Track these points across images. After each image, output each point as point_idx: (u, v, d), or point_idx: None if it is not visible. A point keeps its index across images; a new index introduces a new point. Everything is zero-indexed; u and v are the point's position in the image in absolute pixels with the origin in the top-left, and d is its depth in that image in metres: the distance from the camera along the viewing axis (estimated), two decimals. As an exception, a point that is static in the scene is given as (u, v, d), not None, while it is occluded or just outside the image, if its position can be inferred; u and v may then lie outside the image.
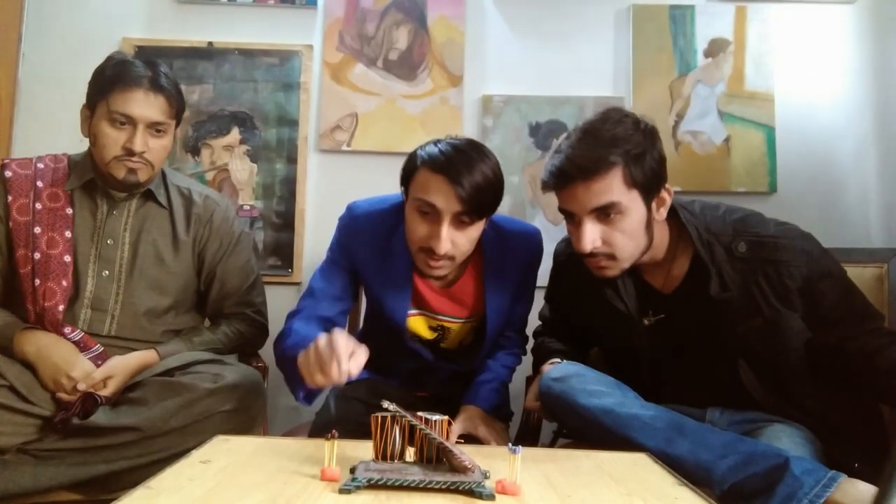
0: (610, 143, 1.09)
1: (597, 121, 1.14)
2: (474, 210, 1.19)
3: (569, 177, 1.11)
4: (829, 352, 1.16)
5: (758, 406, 1.19)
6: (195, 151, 2.00)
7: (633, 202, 1.11)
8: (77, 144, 1.80)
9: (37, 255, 1.31)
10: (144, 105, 1.29)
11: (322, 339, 1.00)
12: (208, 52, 2.02)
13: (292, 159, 2.01)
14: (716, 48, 2.02)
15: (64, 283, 1.31)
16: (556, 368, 1.21)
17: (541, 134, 2.02)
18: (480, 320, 1.41)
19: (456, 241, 1.20)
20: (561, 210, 1.18)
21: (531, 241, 1.41)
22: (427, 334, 1.41)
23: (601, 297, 1.26)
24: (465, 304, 1.38)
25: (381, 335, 1.42)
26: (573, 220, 1.16)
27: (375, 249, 1.34)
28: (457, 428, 1.27)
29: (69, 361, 1.25)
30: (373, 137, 2.02)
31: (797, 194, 1.97)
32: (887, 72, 1.98)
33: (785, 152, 1.99)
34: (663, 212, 1.17)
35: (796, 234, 1.17)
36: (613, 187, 1.09)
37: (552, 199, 1.98)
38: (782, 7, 2.04)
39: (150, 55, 1.98)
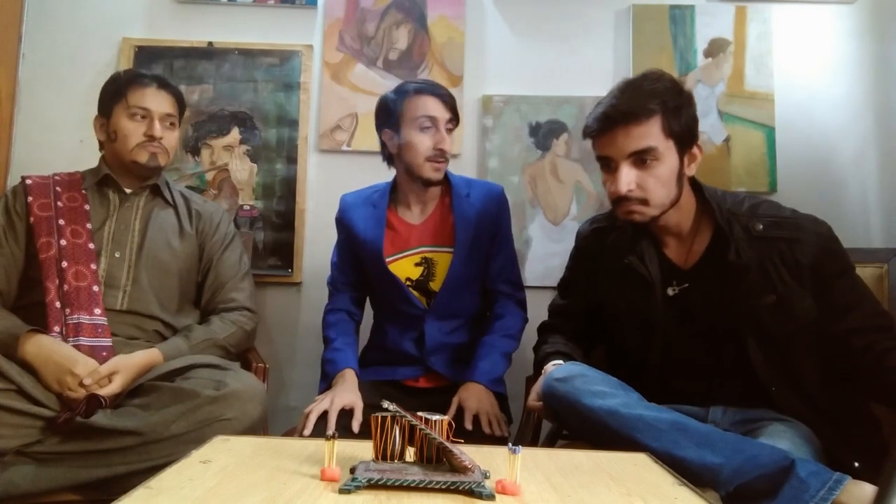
0: (650, 95, 1.17)
1: (638, 78, 1.23)
2: (455, 116, 1.52)
3: (611, 121, 1.18)
4: (837, 342, 1.17)
5: (760, 402, 1.19)
6: (195, 151, 2.00)
7: (667, 150, 1.18)
8: (77, 144, 1.80)
9: (62, 242, 1.42)
10: (157, 99, 1.51)
11: (326, 404, 1.35)
12: (208, 52, 2.02)
13: (292, 159, 2.01)
14: (716, 48, 2.02)
15: (93, 266, 1.42)
16: (559, 369, 1.21)
17: (541, 134, 2.02)
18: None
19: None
20: (599, 158, 1.24)
21: (494, 188, 1.63)
22: (414, 273, 1.55)
23: (624, 267, 1.29)
24: (440, 232, 1.56)
25: (380, 299, 1.61)
26: (610, 167, 1.22)
27: (361, 208, 1.60)
28: (455, 399, 1.40)
29: (71, 359, 1.28)
30: (373, 137, 1.99)
31: (797, 194, 1.97)
32: (887, 71, 1.98)
33: (785, 152, 1.99)
34: (693, 167, 1.23)
35: (812, 218, 1.23)
36: (652, 133, 1.16)
37: (552, 199, 2.00)
38: (782, 7, 2.04)
39: (150, 55, 2.00)
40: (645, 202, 1.19)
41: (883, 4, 2.01)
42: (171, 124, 1.55)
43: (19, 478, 1.15)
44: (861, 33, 2.03)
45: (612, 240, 1.34)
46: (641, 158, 1.17)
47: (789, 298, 1.17)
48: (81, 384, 1.26)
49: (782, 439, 1.09)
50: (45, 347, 1.29)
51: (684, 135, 1.19)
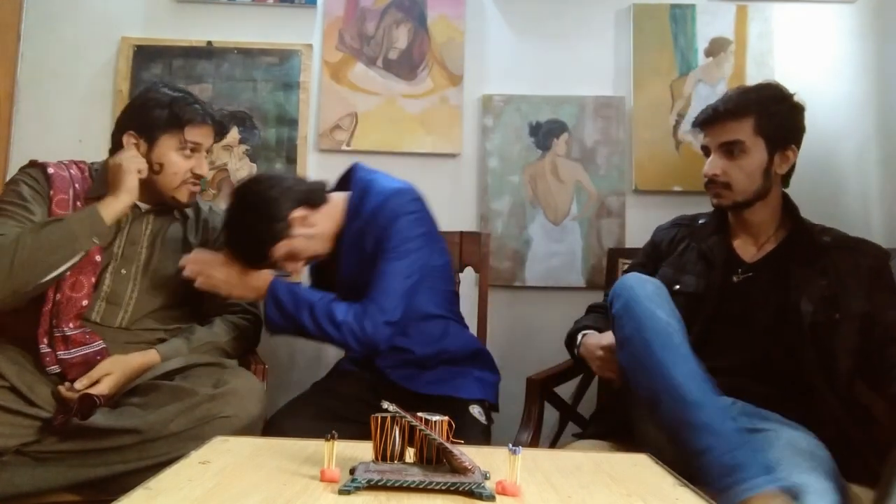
0: (749, 100, 1.35)
1: (749, 86, 1.44)
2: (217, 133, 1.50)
3: (712, 116, 1.38)
4: (874, 346, 1.24)
5: (772, 405, 1.20)
6: (194, 151, 2.00)
7: (756, 147, 1.34)
8: (75, 144, 1.80)
9: None
10: (209, 135, 1.48)
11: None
12: (207, 52, 2.02)
13: (292, 159, 2.01)
14: (716, 47, 2.02)
15: (92, 279, 1.37)
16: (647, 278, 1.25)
17: (541, 133, 2.02)
18: None
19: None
20: (702, 146, 1.43)
21: (380, 195, 1.41)
22: None
23: (691, 253, 1.43)
24: None
25: None
26: (707, 154, 1.40)
27: None
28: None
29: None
30: (372, 137, 2.02)
31: (797, 194, 1.93)
32: (888, 71, 1.98)
33: (785, 152, 1.99)
34: (784, 167, 1.37)
35: (876, 243, 1.36)
36: (742, 130, 1.34)
37: (552, 199, 2.00)
38: (783, 6, 2.04)
39: (150, 55, 2.00)
40: (728, 186, 1.35)
41: (884, 4, 2.01)
42: (209, 152, 1.53)
43: (18, 477, 1.14)
44: (862, 33, 2.03)
45: (682, 233, 1.49)
46: (730, 149, 1.34)
47: (841, 291, 1.27)
48: (72, 389, 1.25)
49: (799, 443, 1.09)
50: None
51: (775, 137, 1.34)
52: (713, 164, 1.36)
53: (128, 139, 1.42)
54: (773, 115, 1.34)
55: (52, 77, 2.00)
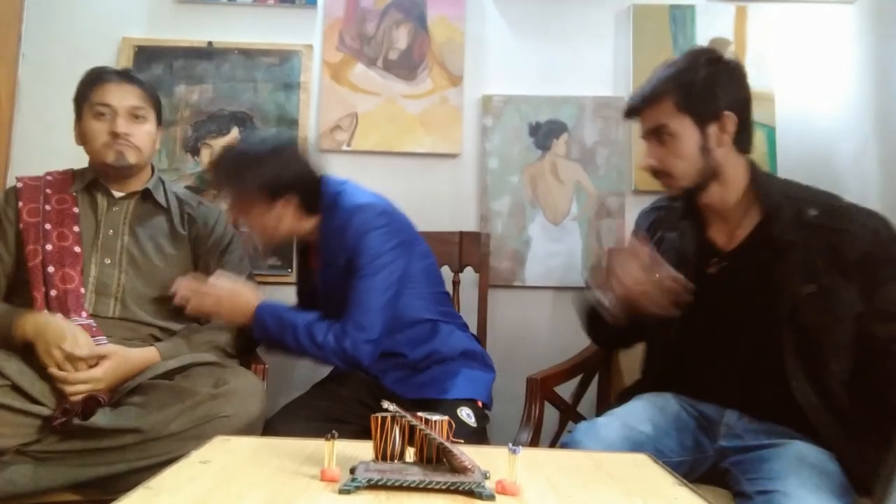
0: (668, 77, 1.24)
1: (667, 63, 1.30)
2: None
3: (632, 107, 1.30)
4: (874, 348, 1.12)
5: (773, 410, 1.16)
6: (195, 151, 2.00)
7: (683, 127, 1.22)
8: (76, 145, 1.80)
9: (48, 247, 1.39)
10: (118, 93, 1.44)
11: None
12: (208, 52, 2.02)
13: (292, 159, 2.01)
14: (716, 48, 2.02)
15: (79, 268, 1.39)
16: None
17: (541, 134, 2.02)
18: None
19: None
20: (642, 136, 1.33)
21: (346, 211, 1.41)
22: None
23: (664, 243, 1.33)
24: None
25: None
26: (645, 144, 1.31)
27: None
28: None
29: (60, 334, 1.27)
30: (373, 137, 2.02)
31: None
32: (887, 71, 1.98)
33: (785, 152, 1.99)
34: (725, 138, 1.22)
35: (871, 212, 1.22)
36: (662, 112, 1.23)
37: (552, 199, 2.00)
38: (783, 7, 2.04)
39: (150, 55, 2.00)
40: (669, 175, 1.25)
41: (883, 4, 2.01)
42: (140, 117, 1.46)
43: (19, 477, 1.15)
44: (861, 33, 2.03)
45: (659, 217, 1.40)
46: (659, 136, 1.24)
47: (830, 290, 1.13)
48: (68, 358, 1.26)
49: (807, 456, 1.06)
50: (41, 324, 1.29)
51: (700, 109, 1.21)
52: (646, 155, 1.27)
53: (75, 124, 1.49)
54: (690, 86, 1.21)
55: (53, 78, 2.00)
